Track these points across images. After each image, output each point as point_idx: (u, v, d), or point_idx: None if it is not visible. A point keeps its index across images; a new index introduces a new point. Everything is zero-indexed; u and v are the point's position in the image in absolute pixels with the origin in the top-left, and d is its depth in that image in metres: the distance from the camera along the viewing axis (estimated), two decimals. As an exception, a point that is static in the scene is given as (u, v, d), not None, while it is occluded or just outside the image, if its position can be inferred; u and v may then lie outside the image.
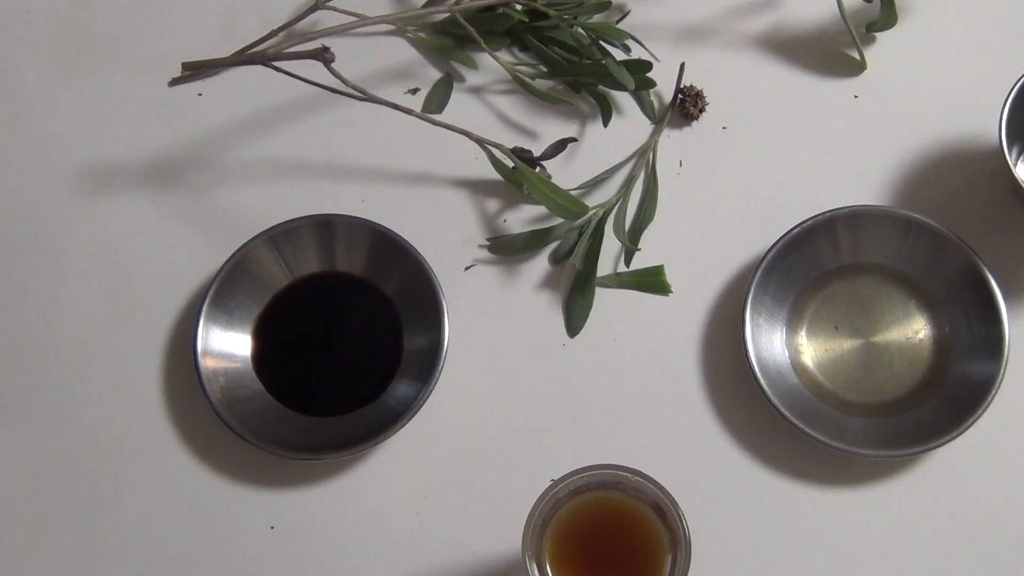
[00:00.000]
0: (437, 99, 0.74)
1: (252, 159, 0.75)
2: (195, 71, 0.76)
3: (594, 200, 0.72)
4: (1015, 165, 0.70)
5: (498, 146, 0.71)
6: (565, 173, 0.73)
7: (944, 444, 0.66)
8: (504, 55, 0.75)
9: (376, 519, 0.68)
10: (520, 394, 0.70)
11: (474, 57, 0.75)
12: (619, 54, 0.73)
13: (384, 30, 0.77)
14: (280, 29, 0.76)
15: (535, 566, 0.61)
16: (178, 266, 0.72)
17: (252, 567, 0.68)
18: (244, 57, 0.74)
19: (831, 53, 0.75)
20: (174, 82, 0.76)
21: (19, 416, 0.70)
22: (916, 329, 0.70)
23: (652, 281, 0.71)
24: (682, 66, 0.74)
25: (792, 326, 0.70)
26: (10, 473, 0.69)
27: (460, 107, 0.75)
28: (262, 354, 0.70)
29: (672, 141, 0.74)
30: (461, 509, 0.68)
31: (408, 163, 0.74)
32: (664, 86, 0.74)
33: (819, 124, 0.74)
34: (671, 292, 0.71)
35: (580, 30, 0.73)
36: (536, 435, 0.69)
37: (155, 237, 0.73)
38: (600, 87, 0.74)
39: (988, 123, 0.71)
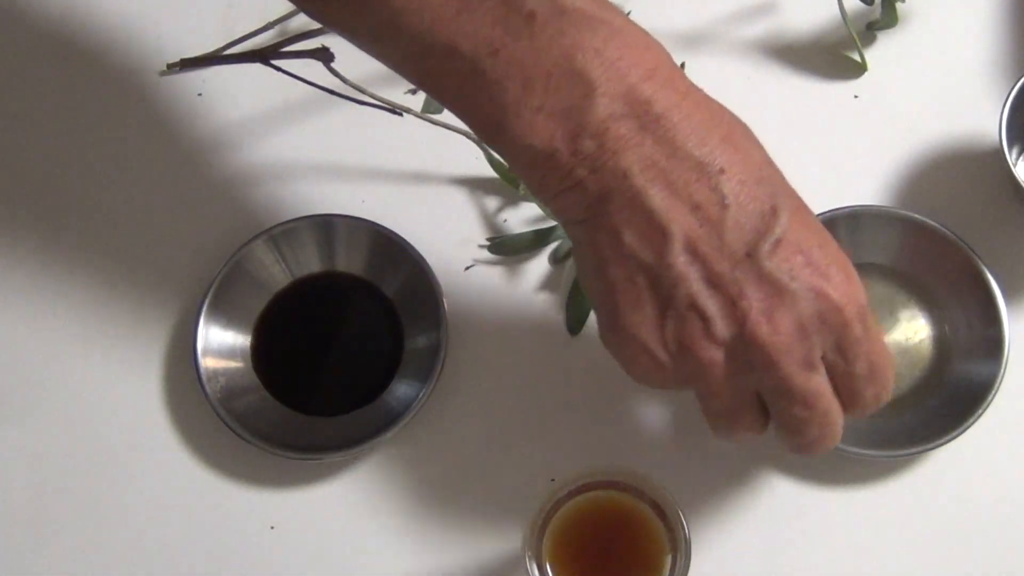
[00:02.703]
0: (437, 99, 0.74)
1: (252, 159, 0.75)
2: (191, 67, 0.76)
3: (594, 200, 0.72)
4: (1015, 165, 0.70)
5: (497, 146, 0.71)
6: (565, 173, 0.73)
7: (944, 444, 0.66)
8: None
9: (376, 519, 0.68)
10: (520, 394, 0.70)
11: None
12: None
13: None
14: (275, 23, 0.76)
15: (535, 566, 0.61)
16: (178, 266, 0.72)
17: (252, 567, 0.68)
18: (243, 55, 0.74)
19: (831, 55, 0.75)
20: (167, 71, 0.76)
21: (19, 416, 0.70)
22: (916, 329, 0.70)
23: (652, 281, 0.71)
24: (682, 65, 0.74)
25: (792, 326, 0.70)
26: (10, 473, 0.69)
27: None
28: (262, 354, 0.70)
29: (672, 141, 0.74)
30: (461, 509, 0.68)
31: (408, 163, 0.74)
32: (664, 86, 0.74)
33: (819, 125, 0.74)
34: (671, 292, 0.71)
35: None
36: (536, 435, 0.69)
37: (155, 237, 0.73)
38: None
39: (988, 123, 0.71)
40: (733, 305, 0.52)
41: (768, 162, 0.55)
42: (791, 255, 0.53)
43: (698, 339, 0.53)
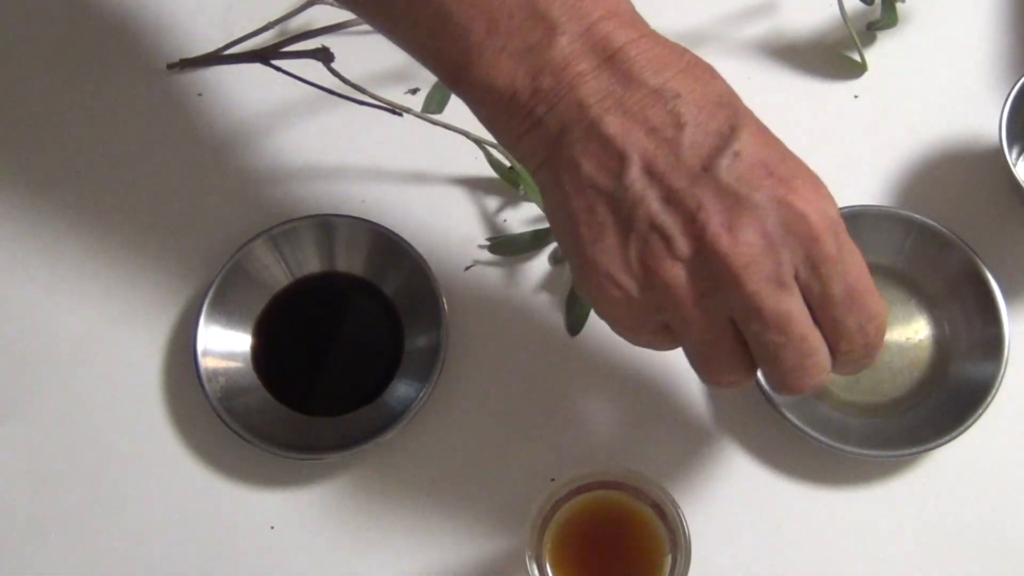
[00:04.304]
0: (437, 99, 0.74)
1: (252, 159, 0.75)
2: (191, 67, 0.76)
3: (594, 200, 0.72)
4: (1015, 165, 0.70)
5: (495, 145, 0.71)
6: (565, 173, 0.73)
7: (944, 444, 0.66)
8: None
9: (376, 519, 0.68)
10: (520, 394, 0.70)
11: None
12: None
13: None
14: (275, 23, 0.76)
15: (535, 566, 0.61)
16: (178, 266, 0.72)
17: (252, 567, 0.68)
18: (243, 55, 0.74)
19: (831, 55, 0.75)
20: (167, 71, 0.76)
21: (19, 416, 0.70)
22: (916, 329, 0.70)
23: (652, 281, 0.71)
24: (682, 66, 0.74)
25: (792, 326, 0.70)
26: (10, 473, 0.69)
27: (460, 106, 0.74)
28: (262, 354, 0.70)
29: (672, 141, 0.74)
30: (461, 509, 0.68)
31: (408, 163, 0.74)
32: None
33: (819, 125, 0.74)
34: (671, 292, 0.71)
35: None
36: (536, 435, 0.69)
37: (155, 237, 0.73)
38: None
39: (988, 123, 0.71)
40: (692, 219, 0.51)
41: (730, 92, 0.54)
42: (752, 167, 0.51)
43: (661, 259, 0.51)
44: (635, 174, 0.51)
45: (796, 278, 0.51)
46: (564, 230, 0.54)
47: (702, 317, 0.52)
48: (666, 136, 0.52)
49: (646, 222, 0.51)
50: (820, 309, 0.52)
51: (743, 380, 0.54)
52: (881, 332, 0.54)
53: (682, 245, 0.51)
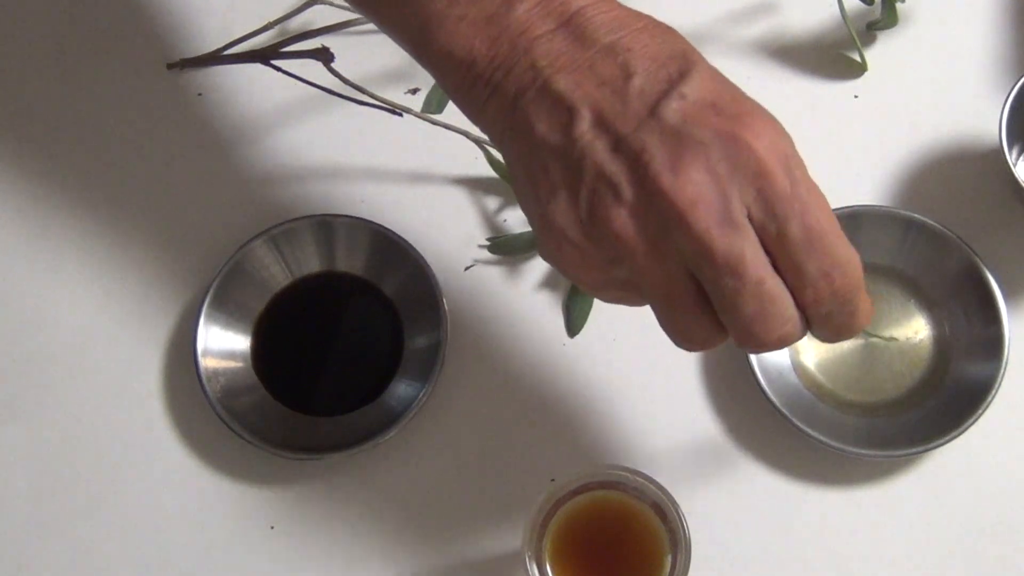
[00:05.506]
0: (437, 99, 0.74)
1: (252, 159, 0.75)
2: (191, 67, 0.76)
3: (594, 200, 0.72)
4: (1015, 165, 0.70)
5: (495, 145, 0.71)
6: (565, 173, 0.73)
7: (944, 444, 0.66)
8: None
9: (376, 519, 0.68)
10: (520, 394, 0.70)
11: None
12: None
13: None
14: (275, 23, 0.76)
15: (535, 566, 0.61)
16: (178, 266, 0.72)
17: (252, 567, 0.68)
18: (243, 55, 0.74)
19: (831, 55, 0.75)
20: (167, 71, 0.76)
21: (19, 416, 0.70)
22: (916, 329, 0.70)
23: (652, 281, 0.71)
24: (682, 66, 0.74)
25: (792, 326, 0.70)
26: (10, 473, 0.69)
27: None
28: (262, 354, 0.70)
29: (672, 141, 0.74)
30: (461, 509, 0.68)
31: (408, 163, 0.74)
32: (664, 86, 0.74)
33: (819, 125, 0.74)
34: (671, 292, 0.71)
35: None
36: (536, 435, 0.69)
37: (155, 237, 0.73)
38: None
39: (988, 123, 0.71)
40: (635, 161, 0.49)
41: (687, 48, 0.52)
42: (698, 106, 0.50)
43: (607, 207, 0.50)
44: (584, 127, 0.51)
45: (751, 219, 0.49)
46: (524, 195, 0.53)
47: (657, 266, 0.50)
48: (615, 87, 0.51)
49: (593, 172, 0.50)
50: (778, 253, 0.50)
51: (711, 337, 0.52)
52: (851, 282, 0.50)
53: (627, 190, 0.50)
